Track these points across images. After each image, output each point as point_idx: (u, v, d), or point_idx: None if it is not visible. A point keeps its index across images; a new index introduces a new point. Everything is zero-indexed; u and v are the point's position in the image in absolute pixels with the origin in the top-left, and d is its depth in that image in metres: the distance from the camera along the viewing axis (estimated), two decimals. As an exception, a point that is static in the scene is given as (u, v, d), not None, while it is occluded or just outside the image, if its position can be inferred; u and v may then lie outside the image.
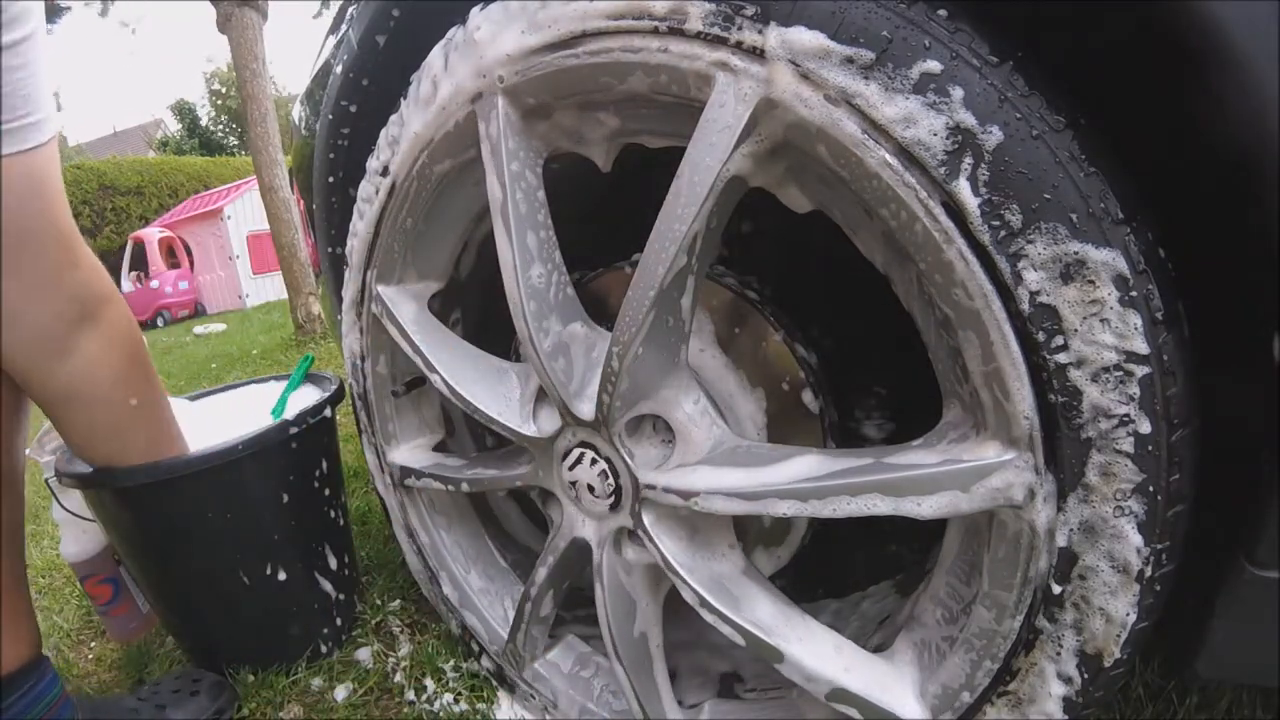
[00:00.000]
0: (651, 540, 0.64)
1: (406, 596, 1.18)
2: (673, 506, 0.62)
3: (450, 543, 0.93)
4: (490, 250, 0.67)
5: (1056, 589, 0.48)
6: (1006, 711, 0.53)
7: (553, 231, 0.65)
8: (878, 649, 0.61)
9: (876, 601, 0.80)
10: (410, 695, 0.96)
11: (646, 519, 0.65)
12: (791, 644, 0.57)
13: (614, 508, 0.68)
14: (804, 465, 0.56)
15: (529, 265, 0.63)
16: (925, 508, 0.49)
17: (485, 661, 0.92)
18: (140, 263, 10.99)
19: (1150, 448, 0.43)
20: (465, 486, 0.81)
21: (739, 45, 0.48)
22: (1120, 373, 0.42)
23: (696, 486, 0.60)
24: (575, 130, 0.63)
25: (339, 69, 0.75)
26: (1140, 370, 0.42)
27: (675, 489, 0.61)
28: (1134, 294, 0.41)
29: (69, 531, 1.06)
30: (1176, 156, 0.45)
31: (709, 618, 0.61)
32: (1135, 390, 0.42)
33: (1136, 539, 0.44)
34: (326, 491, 1.07)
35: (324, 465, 1.07)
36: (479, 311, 0.92)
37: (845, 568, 0.90)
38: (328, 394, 1.08)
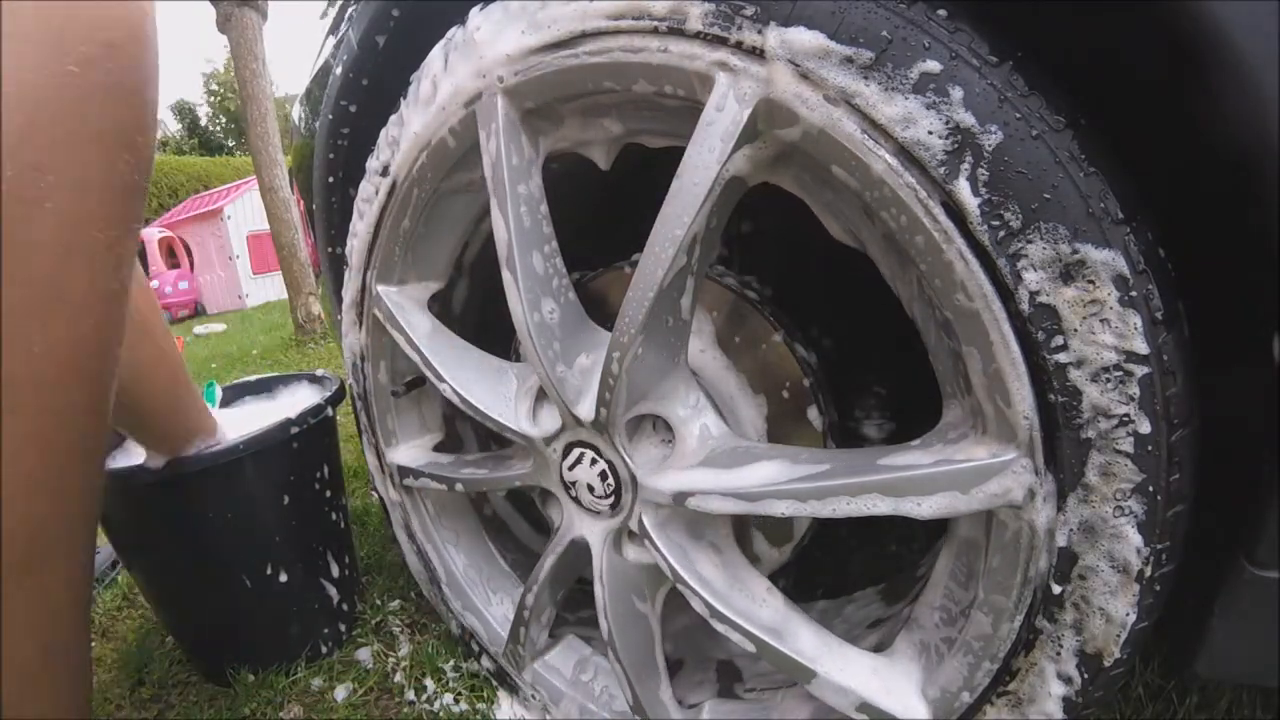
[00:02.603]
0: (651, 541, 0.64)
1: (406, 597, 1.18)
2: (670, 508, 0.62)
3: (461, 564, 0.93)
4: (490, 250, 0.67)
5: (1056, 589, 0.48)
6: (1006, 711, 0.53)
7: (555, 243, 0.65)
8: (875, 650, 0.61)
9: (861, 606, 0.80)
10: (410, 695, 0.96)
11: (646, 520, 0.65)
12: (834, 673, 0.57)
13: (614, 508, 0.68)
14: (769, 470, 0.57)
15: (535, 300, 0.63)
16: (925, 508, 0.49)
17: (485, 662, 0.92)
18: (140, 263, 10.96)
19: (1150, 448, 0.43)
20: (459, 486, 0.81)
21: (739, 45, 0.48)
22: (1120, 373, 0.42)
23: (686, 487, 0.60)
24: (579, 136, 0.64)
25: (339, 69, 0.75)
26: (1140, 370, 0.42)
27: (667, 490, 0.61)
28: (1134, 294, 0.41)
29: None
30: (1176, 156, 0.45)
31: (720, 627, 0.61)
32: (1135, 390, 0.42)
33: (1136, 539, 0.44)
34: (327, 493, 1.07)
35: (324, 466, 1.06)
36: (478, 311, 0.92)
37: (843, 572, 0.90)
38: (328, 394, 1.08)
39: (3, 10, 0.48)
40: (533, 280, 0.63)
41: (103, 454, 0.64)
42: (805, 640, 0.60)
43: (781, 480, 0.56)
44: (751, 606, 0.62)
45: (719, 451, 0.63)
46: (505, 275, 0.63)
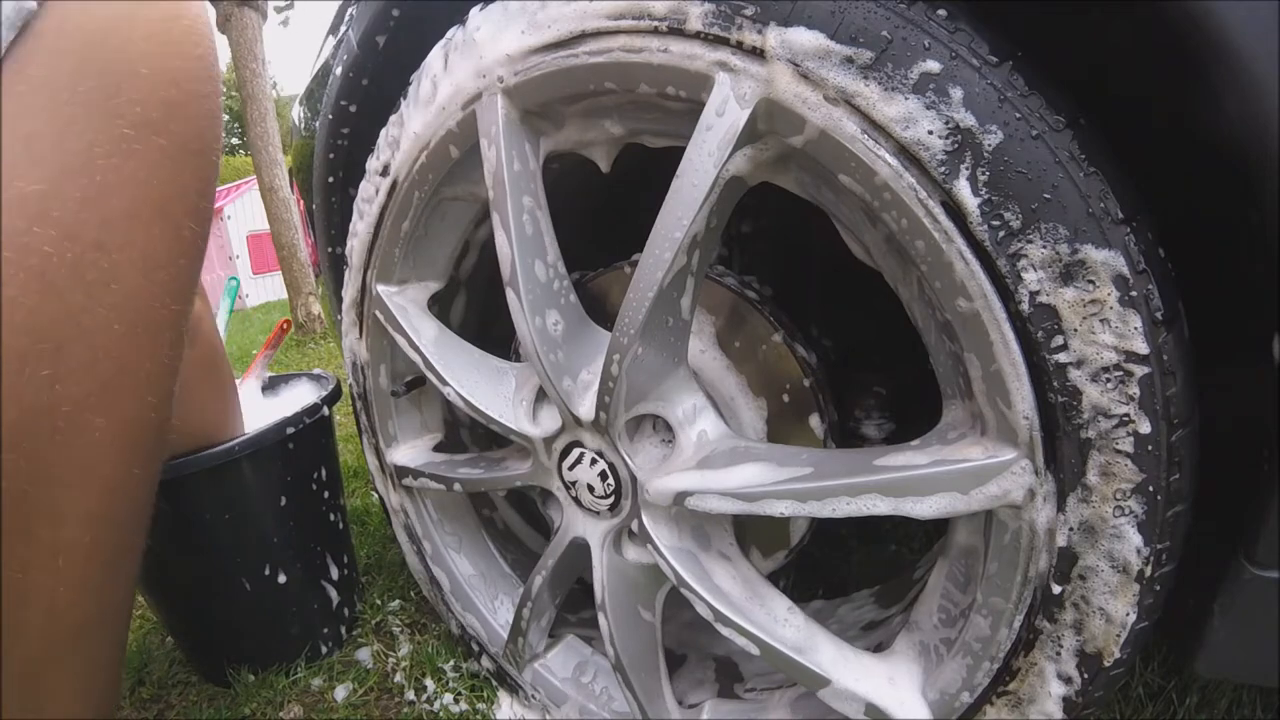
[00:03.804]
0: (651, 541, 0.64)
1: (406, 596, 1.18)
2: (669, 508, 0.62)
3: (466, 571, 0.93)
4: (487, 259, 0.67)
5: (1056, 589, 0.48)
6: (1006, 711, 0.53)
7: (557, 249, 0.65)
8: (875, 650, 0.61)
9: (855, 608, 0.80)
10: (410, 695, 0.96)
11: (646, 520, 0.65)
12: (849, 682, 0.57)
13: (614, 508, 0.68)
14: (749, 473, 0.57)
15: (540, 312, 0.64)
16: (924, 508, 0.49)
17: (485, 661, 0.92)
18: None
19: (1150, 448, 0.43)
20: (457, 486, 0.81)
21: (739, 45, 0.48)
22: (1120, 373, 0.42)
23: (684, 487, 0.60)
24: (580, 137, 0.64)
25: (339, 69, 0.75)
26: (1140, 370, 0.42)
27: (666, 490, 0.61)
28: (1134, 294, 0.41)
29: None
30: (1176, 156, 0.45)
31: (725, 631, 0.61)
32: (1135, 390, 0.42)
33: (1136, 539, 0.44)
34: (325, 493, 1.07)
35: (322, 466, 1.06)
36: (479, 312, 0.92)
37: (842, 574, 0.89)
38: (324, 394, 1.08)
39: (47, 68, 0.42)
40: (536, 291, 0.63)
41: (147, 527, 0.63)
42: (825, 654, 0.59)
43: (770, 481, 0.56)
44: (773, 625, 0.61)
45: (718, 452, 0.63)
46: (510, 295, 0.63)
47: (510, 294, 0.63)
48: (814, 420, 0.73)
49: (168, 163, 0.48)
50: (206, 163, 0.52)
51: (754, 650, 0.60)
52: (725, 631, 0.61)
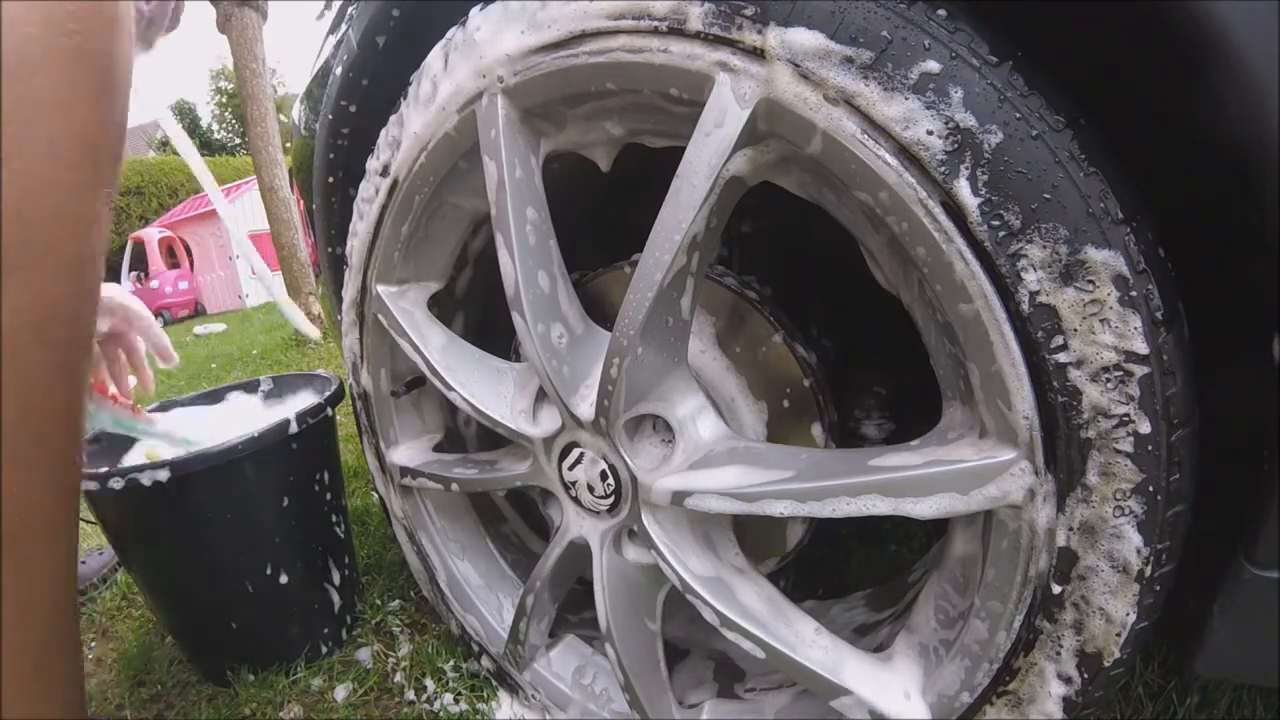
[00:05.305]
0: (651, 541, 0.64)
1: (406, 596, 1.18)
2: (669, 508, 0.62)
3: (473, 578, 0.93)
4: (487, 265, 0.67)
5: (1056, 589, 0.48)
6: (1006, 711, 0.53)
7: (560, 257, 0.65)
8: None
9: (847, 610, 0.80)
10: (410, 695, 0.96)
11: (646, 520, 0.65)
12: (869, 695, 0.57)
13: (613, 508, 0.68)
14: (750, 472, 0.58)
15: (545, 325, 0.64)
16: (924, 508, 0.49)
17: (485, 661, 0.92)
18: (140, 263, 11.02)
19: (1150, 448, 0.43)
20: (456, 487, 0.81)
21: (739, 45, 0.48)
22: (1120, 373, 0.42)
23: (683, 487, 0.60)
24: (580, 138, 0.64)
25: (339, 69, 0.75)
26: (1140, 370, 0.42)
27: (665, 489, 0.61)
28: (1134, 294, 0.41)
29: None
30: (1176, 156, 0.45)
31: (730, 635, 0.60)
32: (1135, 390, 0.42)
33: (1136, 539, 0.44)
34: (327, 494, 1.07)
35: (324, 467, 1.06)
36: (479, 312, 0.92)
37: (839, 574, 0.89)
38: (327, 394, 1.08)
39: None
40: (540, 305, 0.63)
41: (82, 430, 0.63)
42: (850, 671, 0.58)
43: (767, 480, 0.55)
44: (799, 644, 0.60)
45: (717, 452, 0.63)
46: (515, 317, 0.63)
47: (515, 316, 0.63)
48: (814, 420, 0.73)
49: (68, 59, 0.54)
50: (109, 61, 0.57)
51: (760, 655, 0.59)
52: (730, 635, 0.60)
